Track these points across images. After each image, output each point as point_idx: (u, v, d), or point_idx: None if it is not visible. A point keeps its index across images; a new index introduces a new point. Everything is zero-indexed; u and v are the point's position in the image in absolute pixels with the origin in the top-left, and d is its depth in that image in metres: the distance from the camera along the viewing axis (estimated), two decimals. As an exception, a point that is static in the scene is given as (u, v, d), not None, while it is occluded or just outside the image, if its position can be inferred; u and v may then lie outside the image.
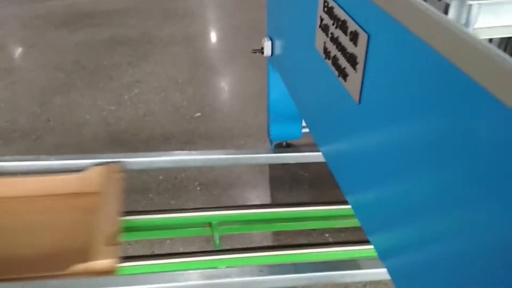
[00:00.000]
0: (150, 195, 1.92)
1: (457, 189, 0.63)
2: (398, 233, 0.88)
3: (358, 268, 1.16)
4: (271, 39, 1.70)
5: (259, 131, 2.31)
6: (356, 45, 0.93)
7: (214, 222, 1.45)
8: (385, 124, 0.87)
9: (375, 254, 1.25)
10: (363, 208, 1.03)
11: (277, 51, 1.63)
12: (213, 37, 3.38)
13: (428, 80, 0.67)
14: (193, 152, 1.71)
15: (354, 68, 0.95)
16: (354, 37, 0.93)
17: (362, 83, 0.93)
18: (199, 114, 2.46)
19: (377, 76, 0.87)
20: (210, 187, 1.95)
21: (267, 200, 1.87)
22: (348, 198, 1.10)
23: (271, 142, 2.06)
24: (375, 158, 0.94)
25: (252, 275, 1.12)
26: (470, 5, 0.71)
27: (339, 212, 1.58)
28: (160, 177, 1.99)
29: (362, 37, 0.89)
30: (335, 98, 1.09)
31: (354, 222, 1.57)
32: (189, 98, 2.60)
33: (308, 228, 1.58)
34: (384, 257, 0.96)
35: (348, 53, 0.97)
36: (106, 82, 2.75)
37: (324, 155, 1.25)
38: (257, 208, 1.51)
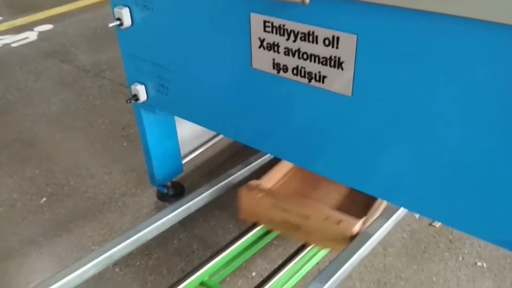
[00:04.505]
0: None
1: None
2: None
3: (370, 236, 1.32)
4: (143, 83, 1.61)
5: (127, 186, 2.13)
6: (337, 48, 1.05)
7: (205, 279, 1.34)
8: (386, 101, 1.04)
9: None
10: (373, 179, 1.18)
11: (160, 91, 1.57)
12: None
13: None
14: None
15: (340, 68, 1.07)
16: (332, 42, 1.05)
17: (353, 78, 1.06)
18: (44, 199, 2.07)
19: (372, 66, 1.02)
20: (130, 264, 1.73)
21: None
22: (346, 180, 1.24)
23: (159, 186, 1.95)
24: (375, 136, 1.10)
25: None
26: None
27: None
28: None
29: (348, 39, 1.02)
30: (306, 103, 1.19)
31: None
32: (15, 186, 2.15)
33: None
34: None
35: (323, 58, 1.08)
36: None
37: (294, 158, 1.33)
38: (229, 246, 1.47)
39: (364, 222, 1.42)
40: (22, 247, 1.83)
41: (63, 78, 3.21)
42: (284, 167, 1.78)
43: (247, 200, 1.60)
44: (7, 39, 3.91)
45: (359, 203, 1.57)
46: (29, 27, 4.16)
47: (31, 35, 3.97)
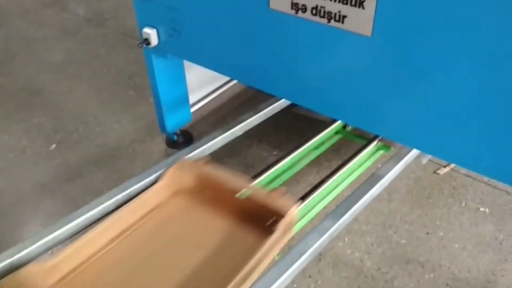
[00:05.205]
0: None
1: None
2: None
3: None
4: (154, 27, 1.60)
5: (136, 133, 2.15)
6: (359, -14, 1.04)
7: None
8: (406, 40, 1.04)
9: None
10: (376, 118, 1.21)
11: (172, 35, 1.56)
12: None
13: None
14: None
15: (360, 7, 1.07)
16: (354, -20, 1.04)
17: (374, 17, 1.06)
18: (54, 145, 2.10)
19: (394, 5, 1.02)
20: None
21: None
22: (362, 124, 1.27)
23: (168, 133, 1.98)
24: (393, 77, 1.12)
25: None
26: None
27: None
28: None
29: (371, -24, 1.01)
30: (324, 44, 1.19)
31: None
32: (23, 133, 2.17)
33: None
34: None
35: (345, -3, 1.08)
36: None
37: (310, 102, 1.33)
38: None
39: None
40: (36, 192, 1.87)
41: (66, 28, 3.16)
42: (87, 247, 1.20)
43: None
44: (5, -13, 3.81)
45: None
46: (26, -25, 4.05)
47: (29, -16, 3.88)
